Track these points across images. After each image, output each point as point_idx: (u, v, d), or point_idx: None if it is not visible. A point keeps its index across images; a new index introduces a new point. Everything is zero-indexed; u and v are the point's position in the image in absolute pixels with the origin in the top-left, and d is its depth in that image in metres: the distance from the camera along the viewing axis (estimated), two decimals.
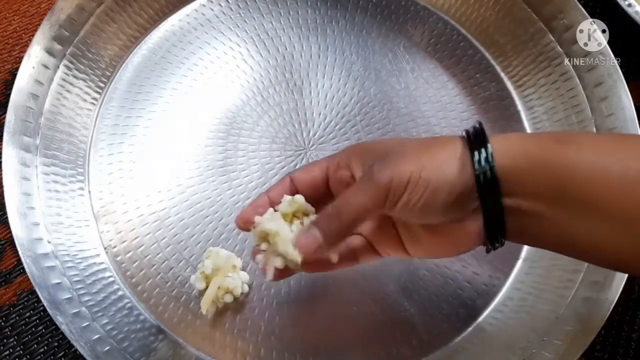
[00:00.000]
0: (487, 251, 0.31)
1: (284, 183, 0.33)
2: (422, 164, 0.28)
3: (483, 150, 0.28)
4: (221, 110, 0.47)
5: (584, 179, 0.27)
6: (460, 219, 0.29)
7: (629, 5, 0.47)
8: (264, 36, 0.50)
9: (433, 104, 0.48)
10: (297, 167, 0.46)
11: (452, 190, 0.28)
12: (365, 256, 0.35)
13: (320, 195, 0.33)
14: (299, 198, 0.32)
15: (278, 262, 0.31)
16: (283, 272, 0.32)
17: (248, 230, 0.32)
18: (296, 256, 0.29)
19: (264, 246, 0.32)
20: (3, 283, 0.42)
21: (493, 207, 0.28)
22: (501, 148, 0.28)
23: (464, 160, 0.28)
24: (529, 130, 0.48)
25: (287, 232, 0.30)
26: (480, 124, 0.29)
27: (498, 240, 0.30)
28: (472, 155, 0.28)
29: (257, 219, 0.32)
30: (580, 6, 0.46)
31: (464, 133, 0.29)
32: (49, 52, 0.44)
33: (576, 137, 0.29)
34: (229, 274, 0.40)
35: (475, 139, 0.28)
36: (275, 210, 0.32)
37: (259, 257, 0.32)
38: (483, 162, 0.27)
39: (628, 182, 0.26)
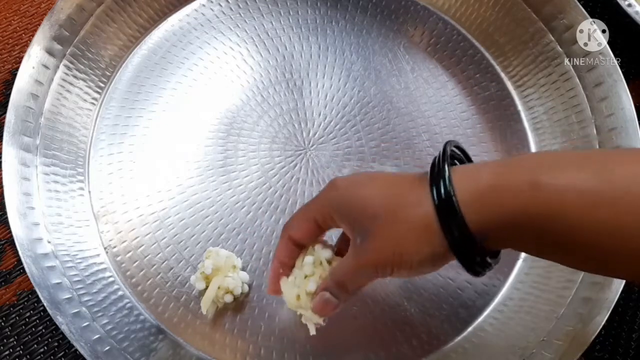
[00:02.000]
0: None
1: (286, 243, 0.35)
2: (399, 247, 0.29)
3: (454, 222, 0.28)
4: (221, 110, 0.47)
5: (555, 232, 0.27)
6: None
7: (629, 5, 0.47)
8: (264, 36, 0.50)
9: (433, 104, 0.48)
10: (297, 168, 0.46)
11: (432, 258, 0.29)
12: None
13: (320, 233, 0.35)
14: (309, 260, 0.34)
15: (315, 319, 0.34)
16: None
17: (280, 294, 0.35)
18: (318, 319, 0.34)
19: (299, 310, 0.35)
20: (3, 283, 0.42)
21: (469, 261, 0.29)
22: (471, 206, 0.27)
23: (435, 232, 0.28)
24: (528, 130, 0.48)
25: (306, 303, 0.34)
26: (446, 178, 0.28)
27: (483, 269, 0.30)
28: (442, 224, 0.28)
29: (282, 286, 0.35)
30: (580, 6, 0.46)
31: (433, 195, 0.29)
32: (49, 52, 0.44)
33: (549, 182, 0.27)
34: (229, 274, 0.40)
35: (442, 206, 0.28)
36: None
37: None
38: (455, 232, 0.28)
39: (600, 230, 0.26)
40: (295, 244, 0.35)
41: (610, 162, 0.26)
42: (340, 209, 0.32)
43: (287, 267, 0.35)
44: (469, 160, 0.33)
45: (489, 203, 0.27)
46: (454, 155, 0.32)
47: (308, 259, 0.34)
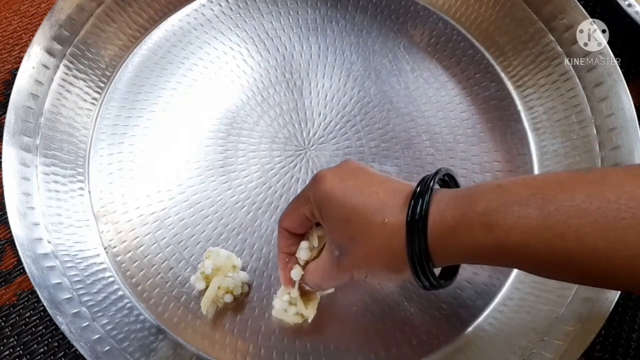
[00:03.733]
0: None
1: (284, 235, 0.37)
2: (370, 264, 0.32)
3: (418, 230, 0.30)
4: (221, 110, 0.47)
5: (507, 260, 0.29)
6: None
7: (629, 5, 0.47)
8: (264, 36, 0.50)
9: (433, 104, 0.48)
10: (297, 168, 0.46)
11: (398, 274, 0.32)
12: None
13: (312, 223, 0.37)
14: (305, 244, 0.37)
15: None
16: None
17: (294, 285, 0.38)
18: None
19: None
20: (3, 283, 0.42)
21: (423, 274, 0.31)
22: (436, 230, 0.29)
23: (402, 251, 0.30)
24: (528, 131, 0.48)
25: None
26: (420, 206, 0.30)
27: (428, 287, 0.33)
28: (407, 234, 0.30)
29: (293, 276, 0.37)
30: (580, 6, 0.46)
31: (407, 215, 0.30)
32: (49, 52, 0.44)
33: (501, 220, 0.28)
34: (229, 274, 0.40)
35: (412, 220, 0.30)
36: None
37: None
38: (416, 247, 0.30)
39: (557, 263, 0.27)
40: (292, 234, 0.37)
41: (561, 192, 0.27)
42: (323, 212, 0.33)
43: (292, 255, 0.37)
44: (457, 184, 0.35)
45: (450, 236, 0.29)
46: (443, 180, 0.34)
47: (303, 243, 0.36)
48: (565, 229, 0.26)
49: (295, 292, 0.38)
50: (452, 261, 0.32)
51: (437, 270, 0.32)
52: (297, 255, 0.37)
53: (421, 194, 0.30)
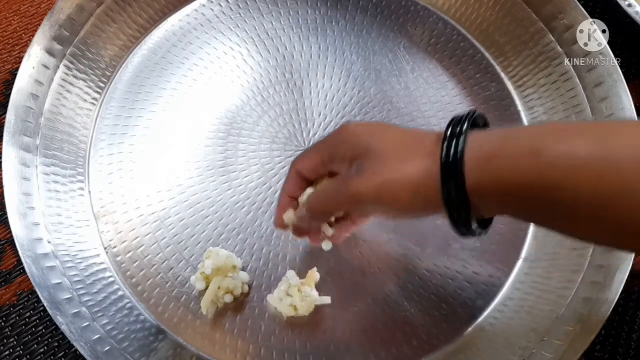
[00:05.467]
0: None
1: (294, 177, 0.36)
2: (391, 179, 0.29)
3: (454, 172, 0.28)
4: (221, 110, 0.47)
5: (553, 197, 0.26)
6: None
7: (629, 5, 0.47)
8: (264, 36, 0.50)
9: (433, 104, 0.48)
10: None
11: (419, 205, 0.30)
12: (355, 219, 0.38)
13: (325, 171, 0.35)
14: (309, 191, 0.36)
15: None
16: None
17: (286, 228, 0.38)
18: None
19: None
20: (3, 283, 0.42)
21: (461, 221, 0.29)
22: (473, 166, 0.28)
23: (433, 177, 0.28)
24: None
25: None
26: (459, 133, 0.29)
27: (465, 233, 0.31)
28: (442, 185, 0.28)
29: (285, 218, 0.37)
30: (580, 6, 0.46)
31: (442, 149, 0.29)
32: (49, 52, 0.44)
33: (552, 147, 0.27)
34: (229, 274, 0.40)
35: (447, 167, 0.28)
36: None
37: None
38: (453, 192, 0.28)
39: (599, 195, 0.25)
40: (302, 178, 0.36)
41: (612, 132, 0.26)
42: (348, 142, 0.32)
43: (293, 200, 0.37)
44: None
45: (490, 169, 0.27)
46: (475, 121, 0.31)
47: (309, 190, 0.36)
48: (626, 164, 0.24)
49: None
50: (486, 194, 0.28)
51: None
52: (299, 199, 0.36)
53: (458, 121, 0.29)
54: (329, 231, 0.37)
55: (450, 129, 0.29)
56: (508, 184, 0.27)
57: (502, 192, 0.27)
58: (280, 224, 0.37)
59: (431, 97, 0.49)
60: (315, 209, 0.35)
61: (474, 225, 0.30)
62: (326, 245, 0.39)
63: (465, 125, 0.29)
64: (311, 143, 0.46)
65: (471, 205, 0.28)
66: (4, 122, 0.41)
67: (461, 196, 0.28)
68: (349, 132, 0.33)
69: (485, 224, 0.32)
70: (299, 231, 0.38)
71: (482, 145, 0.28)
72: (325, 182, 0.35)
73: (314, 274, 0.40)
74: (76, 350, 0.37)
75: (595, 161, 0.25)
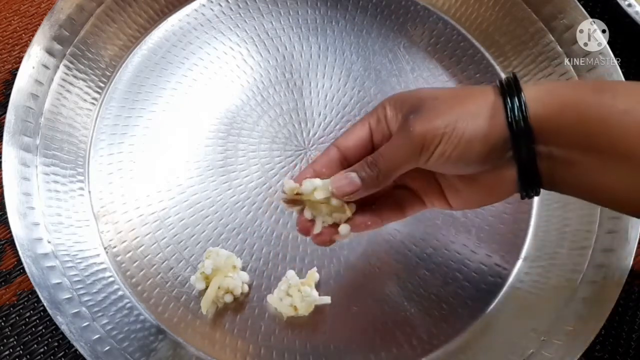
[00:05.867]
0: (522, 197, 0.31)
1: (329, 153, 0.33)
2: (455, 116, 0.29)
3: (516, 100, 0.28)
4: (221, 110, 0.47)
5: (618, 129, 0.27)
6: (495, 168, 0.30)
7: (629, 5, 0.47)
8: (264, 36, 0.50)
9: None
10: (297, 168, 0.45)
11: (486, 141, 0.29)
12: (411, 208, 0.35)
13: (368, 154, 0.32)
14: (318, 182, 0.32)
15: (328, 220, 0.33)
16: (331, 232, 0.33)
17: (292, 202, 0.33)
18: (348, 209, 0.32)
19: (309, 214, 0.33)
20: (3, 283, 0.42)
21: (526, 155, 0.29)
22: (535, 97, 0.28)
23: (497, 110, 0.28)
24: None
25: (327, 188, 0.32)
26: (514, 74, 0.29)
27: (533, 188, 0.30)
28: (505, 105, 0.28)
29: (303, 187, 0.32)
30: (580, 6, 0.46)
31: (497, 82, 0.30)
32: (49, 52, 0.44)
33: (612, 85, 0.28)
34: (229, 274, 0.40)
35: (509, 88, 0.29)
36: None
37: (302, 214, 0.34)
38: (517, 112, 0.28)
39: None
40: (339, 157, 0.32)
41: None
42: (397, 103, 0.31)
43: (316, 172, 0.33)
44: None
45: (550, 97, 0.28)
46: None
47: (318, 180, 0.32)
48: None
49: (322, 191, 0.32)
50: (550, 131, 0.28)
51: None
52: (304, 190, 0.32)
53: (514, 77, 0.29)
54: (345, 230, 0.33)
55: (506, 86, 0.29)
56: (569, 112, 0.27)
57: (562, 122, 0.27)
58: (299, 180, 0.33)
59: None
60: (381, 166, 0.31)
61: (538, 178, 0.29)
62: (344, 230, 0.33)
63: (519, 83, 0.29)
64: (311, 143, 0.46)
65: (538, 156, 0.28)
66: (4, 122, 0.41)
67: (529, 134, 0.28)
68: (396, 95, 0.32)
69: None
70: (304, 227, 0.34)
71: (541, 86, 0.29)
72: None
73: (314, 274, 0.40)
74: (76, 350, 0.37)
75: None
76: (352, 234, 0.34)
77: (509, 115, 0.28)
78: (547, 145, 0.29)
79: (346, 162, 0.33)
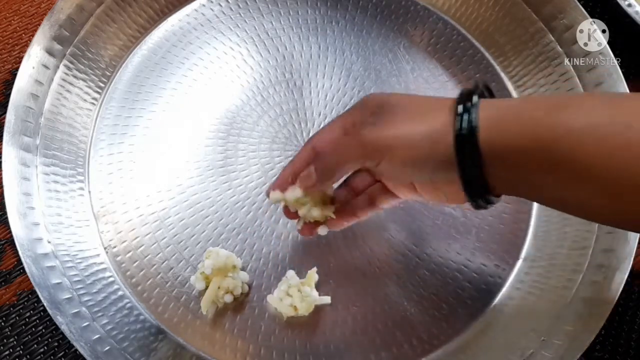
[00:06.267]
0: (475, 208, 0.32)
1: (308, 151, 0.34)
2: (407, 131, 0.30)
3: (467, 122, 0.28)
4: (221, 110, 0.47)
5: (575, 148, 0.26)
6: (447, 179, 0.30)
7: (629, 5, 0.47)
8: (264, 36, 0.50)
9: None
10: None
11: (432, 159, 0.29)
12: (383, 200, 0.36)
13: None
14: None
15: (315, 213, 0.37)
16: (312, 228, 0.38)
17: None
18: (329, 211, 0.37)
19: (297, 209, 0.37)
20: (3, 283, 0.42)
21: (475, 179, 0.29)
22: (489, 116, 0.28)
23: (447, 131, 0.28)
24: None
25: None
26: (470, 91, 0.29)
27: (483, 205, 0.31)
28: (456, 128, 0.28)
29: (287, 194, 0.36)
30: (580, 6, 0.46)
31: (457, 96, 0.30)
32: (49, 52, 0.44)
33: (577, 100, 0.28)
34: (229, 274, 0.40)
35: (464, 109, 0.28)
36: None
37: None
38: (466, 135, 0.28)
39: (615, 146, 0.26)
40: (314, 155, 0.34)
41: (624, 101, 0.27)
42: (370, 101, 0.32)
43: (296, 175, 0.35)
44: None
45: (504, 128, 0.27)
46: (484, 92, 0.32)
47: (295, 189, 0.35)
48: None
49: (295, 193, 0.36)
50: (503, 152, 0.28)
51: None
52: (287, 196, 0.36)
53: (471, 90, 0.29)
54: (323, 231, 0.38)
55: (461, 97, 0.30)
56: (521, 141, 0.27)
57: (515, 149, 0.27)
58: (281, 186, 0.36)
59: None
60: (323, 163, 0.33)
61: (487, 196, 0.30)
62: (322, 230, 0.38)
63: (476, 95, 0.29)
64: None
65: (484, 164, 0.28)
66: (4, 122, 0.41)
67: (475, 152, 0.28)
68: (370, 96, 0.33)
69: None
70: (288, 211, 0.38)
71: (497, 108, 0.28)
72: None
73: (314, 274, 0.40)
74: (76, 350, 0.37)
75: (608, 126, 0.25)
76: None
77: (457, 140, 0.28)
78: (497, 169, 0.29)
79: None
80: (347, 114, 0.34)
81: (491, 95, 0.32)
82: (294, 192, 0.35)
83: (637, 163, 0.25)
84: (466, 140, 0.28)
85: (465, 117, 0.28)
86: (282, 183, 0.36)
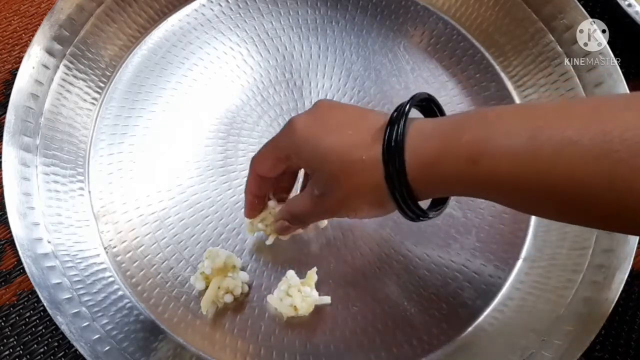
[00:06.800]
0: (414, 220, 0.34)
1: (255, 179, 0.38)
2: (350, 201, 0.32)
3: (397, 168, 0.29)
4: (221, 110, 0.47)
5: (494, 166, 0.27)
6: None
7: (629, 5, 0.47)
8: (264, 36, 0.50)
9: None
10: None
11: (379, 209, 0.33)
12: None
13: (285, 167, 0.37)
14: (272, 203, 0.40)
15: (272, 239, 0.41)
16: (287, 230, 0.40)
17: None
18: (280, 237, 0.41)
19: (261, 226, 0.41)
20: (3, 283, 0.42)
21: (408, 210, 0.31)
22: (415, 162, 0.29)
23: (383, 187, 0.30)
24: None
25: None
26: (396, 133, 0.30)
27: (420, 220, 0.33)
28: (386, 180, 0.30)
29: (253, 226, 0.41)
30: (580, 6, 0.46)
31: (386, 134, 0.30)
32: (49, 52, 0.44)
33: (499, 112, 0.28)
34: (229, 274, 0.40)
35: (391, 159, 0.29)
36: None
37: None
38: (398, 196, 0.30)
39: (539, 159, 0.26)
40: (263, 178, 0.37)
41: (547, 124, 0.26)
42: (299, 154, 0.33)
43: (259, 198, 0.39)
44: (441, 111, 0.34)
45: (433, 172, 0.29)
46: (427, 108, 0.33)
47: (272, 203, 0.40)
48: (556, 161, 0.25)
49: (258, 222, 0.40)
50: (435, 193, 0.32)
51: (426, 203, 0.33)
52: (269, 209, 0.39)
53: (396, 120, 0.30)
54: (270, 241, 0.41)
55: (393, 114, 0.30)
56: (450, 182, 0.29)
57: (445, 187, 0.30)
58: (251, 215, 0.40)
59: None
60: (292, 220, 0.38)
61: (421, 210, 0.31)
62: (269, 241, 0.41)
63: (406, 108, 0.30)
64: None
65: (414, 192, 0.30)
66: (4, 122, 0.41)
67: (404, 182, 0.29)
68: (298, 136, 0.33)
69: (439, 203, 0.34)
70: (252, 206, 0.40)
71: (425, 141, 0.29)
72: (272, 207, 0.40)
73: (314, 274, 0.40)
74: (76, 350, 0.37)
75: (529, 163, 0.26)
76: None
77: (392, 195, 0.30)
78: (428, 194, 0.31)
79: (268, 179, 0.37)
80: (279, 146, 0.35)
81: (438, 109, 0.33)
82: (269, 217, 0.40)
83: (545, 175, 0.26)
84: (401, 202, 0.30)
85: (395, 164, 0.29)
86: (252, 206, 0.39)
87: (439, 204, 0.34)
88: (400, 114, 0.30)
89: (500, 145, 0.26)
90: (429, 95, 0.32)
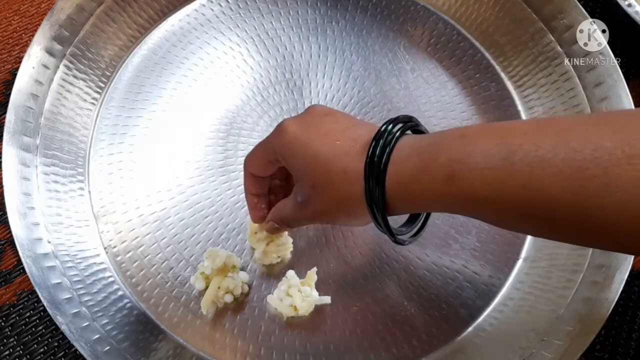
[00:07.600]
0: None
1: (250, 179, 0.38)
2: (330, 211, 0.33)
3: (378, 183, 0.30)
4: (221, 110, 0.47)
5: (466, 191, 0.28)
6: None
7: (629, 5, 0.47)
8: (264, 36, 0.50)
9: (433, 104, 0.48)
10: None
11: (359, 220, 0.34)
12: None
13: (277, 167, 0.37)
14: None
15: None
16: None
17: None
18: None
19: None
20: (3, 283, 0.42)
21: (384, 226, 0.32)
22: (395, 179, 0.29)
23: (360, 191, 0.31)
24: None
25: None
26: (381, 149, 0.30)
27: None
28: (365, 195, 0.30)
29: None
30: (580, 6, 0.46)
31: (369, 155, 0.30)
32: (49, 52, 0.44)
33: (475, 130, 0.29)
34: (229, 274, 0.40)
35: (372, 175, 0.30)
36: None
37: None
38: (376, 197, 0.30)
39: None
40: (257, 177, 0.38)
41: (521, 144, 0.26)
42: (286, 159, 0.34)
43: (259, 196, 0.39)
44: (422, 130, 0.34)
45: (411, 190, 0.29)
46: (411, 127, 0.33)
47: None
48: (528, 180, 0.25)
49: (264, 232, 0.40)
50: (412, 209, 0.33)
51: (404, 218, 0.34)
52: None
53: (380, 137, 0.30)
54: (258, 254, 0.42)
55: (378, 132, 0.31)
56: (427, 200, 0.29)
57: (422, 205, 0.31)
58: (258, 219, 0.40)
59: (431, 97, 0.49)
60: (280, 224, 0.38)
61: (390, 230, 0.32)
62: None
63: (389, 127, 0.31)
64: None
65: (390, 207, 0.30)
66: (4, 122, 0.41)
67: (381, 198, 0.30)
68: (287, 142, 0.33)
69: (416, 227, 0.35)
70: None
71: (405, 160, 0.29)
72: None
73: (314, 274, 0.40)
74: (76, 350, 0.37)
75: (503, 183, 0.26)
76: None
77: (371, 214, 0.31)
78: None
79: (264, 178, 0.38)
80: (270, 148, 0.35)
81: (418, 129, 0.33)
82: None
83: (519, 196, 0.26)
84: (372, 181, 0.30)
85: (375, 153, 0.30)
86: (255, 205, 0.39)
87: (417, 230, 0.35)
88: (383, 132, 0.30)
89: (474, 167, 0.27)
90: (411, 118, 0.33)
